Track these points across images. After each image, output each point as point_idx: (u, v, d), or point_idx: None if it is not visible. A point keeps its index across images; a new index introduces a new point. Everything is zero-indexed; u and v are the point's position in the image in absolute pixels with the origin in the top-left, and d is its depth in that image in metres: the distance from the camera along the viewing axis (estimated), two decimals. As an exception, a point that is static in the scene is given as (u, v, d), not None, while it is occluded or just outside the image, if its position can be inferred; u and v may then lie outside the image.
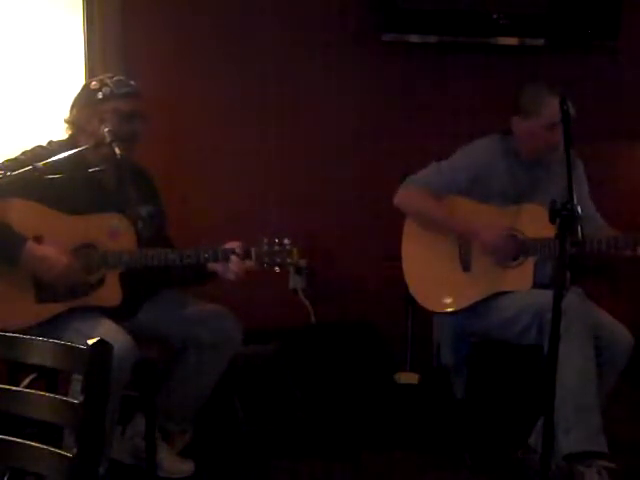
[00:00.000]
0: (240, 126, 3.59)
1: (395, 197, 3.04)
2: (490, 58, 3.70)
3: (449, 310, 2.99)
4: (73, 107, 2.73)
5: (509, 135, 3.03)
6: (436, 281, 3.00)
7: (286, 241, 2.69)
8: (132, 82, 2.73)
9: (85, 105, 2.69)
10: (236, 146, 3.60)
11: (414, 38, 3.61)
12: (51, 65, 3.37)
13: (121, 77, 2.73)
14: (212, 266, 2.71)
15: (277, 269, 2.69)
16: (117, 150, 2.56)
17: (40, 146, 2.68)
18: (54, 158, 2.49)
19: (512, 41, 3.66)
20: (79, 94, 2.73)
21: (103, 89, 2.66)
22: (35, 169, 2.42)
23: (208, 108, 3.55)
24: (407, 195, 3.03)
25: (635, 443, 3.10)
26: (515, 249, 2.91)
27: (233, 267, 2.65)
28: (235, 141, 3.60)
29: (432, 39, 3.62)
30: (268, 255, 2.67)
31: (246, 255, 2.66)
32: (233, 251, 2.66)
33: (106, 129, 2.60)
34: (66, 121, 2.74)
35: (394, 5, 3.54)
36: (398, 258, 3.05)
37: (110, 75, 2.74)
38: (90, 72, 3.34)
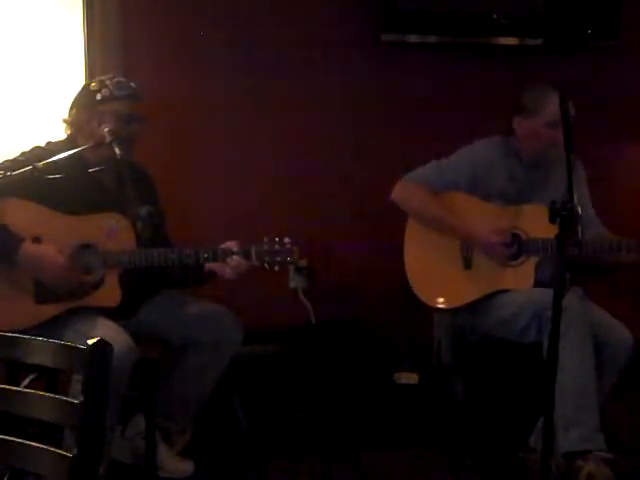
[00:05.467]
0: (240, 126, 3.59)
1: (393, 192, 3.04)
2: (490, 58, 3.70)
3: (450, 306, 3.00)
4: (72, 107, 2.74)
5: (510, 136, 3.04)
6: (437, 278, 3.01)
7: (287, 240, 2.69)
8: (132, 84, 2.73)
9: (84, 106, 2.70)
10: (236, 146, 3.60)
11: (414, 38, 3.62)
12: (51, 65, 3.37)
13: (121, 79, 2.73)
14: (211, 266, 2.71)
15: (277, 268, 2.69)
16: (117, 150, 2.57)
17: (38, 147, 2.68)
18: (54, 158, 2.49)
19: (512, 41, 3.66)
20: (79, 95, 2.73)
21: (102, 90, 2.66)
22: (35, 169, 2.42)
23: (208, 108, 3.55)
24: (405, 190, 3.03)
25: (635, 443, 3.10)
26: (512, 250, 2.91)
27: (232, 267, 2.65)
28: (235, 141, 3.60)
29: (432, 39, 3.62)
30: (269, 254, 2.67)
31: (246, 254, 2.67)
32: (232, 251, 2.66)
33: (106, 129, 2.60)
34: (65, 121, 2.75)
35: (393, 5, 3.54)
36: (398, 258, 3.05)
37: (110, 76, 2.74)
38: (90, 72, 3.34)
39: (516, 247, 2.92)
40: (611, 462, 2.66)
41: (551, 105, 2.83)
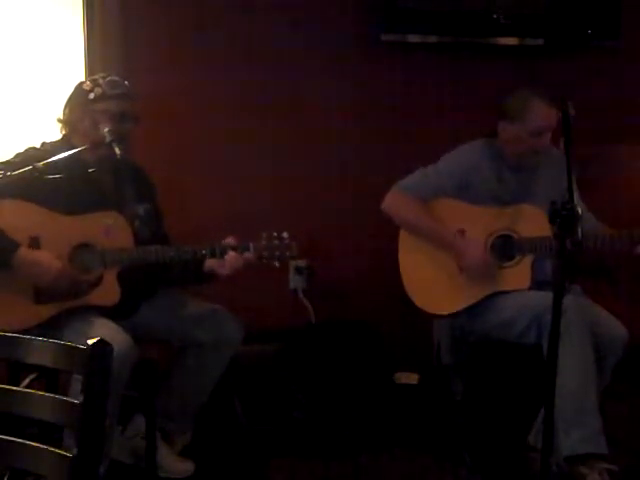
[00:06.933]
0: (240, 126, 3.59)
1: (382, 203, 3.04)
2: (490, 58, 3.71)
3: (448, 312, 2.99)
4: (66, 107, 2.73)
5: (494, 138, 3.03)
6: (434, 284, 3.00)
7: (285, 235, 2.70)
8: (126, 82, 2.72)
9: (77, 105, 2.69)
10: (236, 146, 3.60)
11: (414, 38, 3.62)
12: (51, 65, 3.37)
13: (114, 77, 2.72)
14: (209, 263, 2.71)
15: (277, 264, 2.69)
16: (117, 150, 2.57)
17: (34, 147, 2.67)
18: (54, 158, 2.48)
19: (512, 41, 3.66)
20: (72, 94, 2.73)
21: (95, 89, 2.66)
22: (35, 169, 2.42)
23: (208, 108, 3.55)
24: (396, 202, 3.03)
25: (635, 443, 3.10)
26: (493, 263, 2.91)
27: (228, 262, 2.65)
28: (235, 141, 3.60)
29: (432, 39, 3.62)
30: (267, 250, 2.68)
31: (245, 250, 2.66)
32: (231, 247, 2.66)
33: (106, 129, 2.60)
34: (59, 121, 2.74)
35: (394, 5, 3.54)
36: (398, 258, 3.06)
37: (103, 75, 2.73)
38: (90, 72, 3.33)
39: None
40: (614, 474, 2.66)
41: (534, 114, 2.85)
